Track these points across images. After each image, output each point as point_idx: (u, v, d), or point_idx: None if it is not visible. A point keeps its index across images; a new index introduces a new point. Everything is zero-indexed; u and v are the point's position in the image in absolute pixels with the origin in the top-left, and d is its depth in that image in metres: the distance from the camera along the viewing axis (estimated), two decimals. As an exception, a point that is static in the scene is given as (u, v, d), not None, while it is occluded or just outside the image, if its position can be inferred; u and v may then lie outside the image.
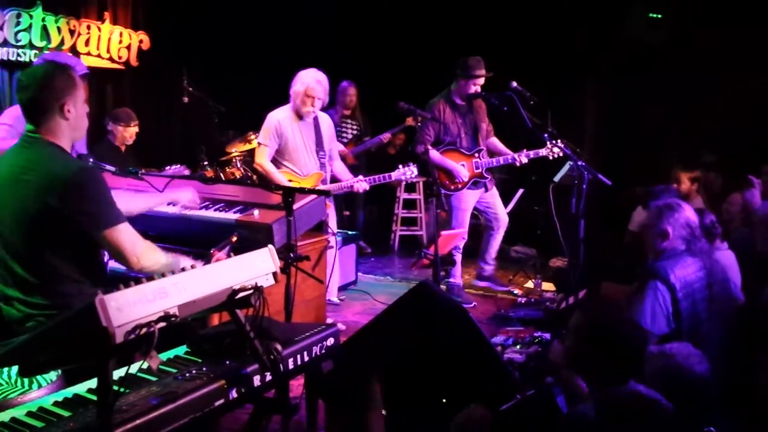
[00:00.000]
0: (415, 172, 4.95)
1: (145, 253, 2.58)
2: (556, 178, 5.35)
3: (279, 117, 4.73)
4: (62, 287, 2.52)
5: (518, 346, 4.04)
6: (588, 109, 7.59)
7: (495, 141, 5.78)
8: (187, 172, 4.49)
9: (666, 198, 4.04)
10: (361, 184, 4.87)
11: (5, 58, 6.14)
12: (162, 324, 1.71)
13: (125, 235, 2.53)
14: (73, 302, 2.50)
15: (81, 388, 2.03)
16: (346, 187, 4.90)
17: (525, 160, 5.52)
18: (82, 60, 5.98)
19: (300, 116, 4.73)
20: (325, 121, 4.91)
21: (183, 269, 1.92)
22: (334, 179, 4.96)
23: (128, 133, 5.85)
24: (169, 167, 4.64)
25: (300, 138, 4.75)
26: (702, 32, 6.62)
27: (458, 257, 5.63)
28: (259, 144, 4.78)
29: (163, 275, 1.85)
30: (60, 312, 2.48)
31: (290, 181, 4.65)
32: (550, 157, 5.39)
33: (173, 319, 1.77)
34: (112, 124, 5.83)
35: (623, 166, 6.52)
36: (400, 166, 4.95)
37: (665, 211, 3.36)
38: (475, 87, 5.46)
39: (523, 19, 7.35)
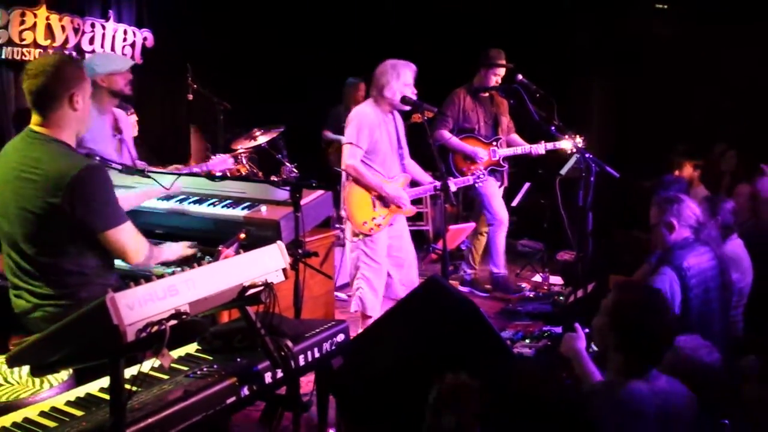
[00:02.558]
0: (486, 175, 4.93)
1: (142, 252, 2.62)
2: (563, 171, 5.33)
3: (370, 114, 4.33)
4: (67, 279, 2.52)
5: (527, 341, 4.03)
6: (594, 101, 7.56)
7: (516, 137, 5.76)
8: (230, 162, 4.36)
9: (675, 188, 4.03)
10: (449, 186, 4.60)
11: (10, 57, 6.13)
12: (173, 321, 1.70)
13: (127, 235, 2.55)
14: (80, 293, 2.51)
15: (93, 387, 2.03)
16: (429, 190, 4.67)
17: (542, 151, 5.50)
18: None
19: (388, 112, 4.44)
20: (399, 118, 4.65)
21: (194, 264, 1.91)
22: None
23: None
24: (214, 157, 4.52)
25: (387, 137, 4.42)
26: (708, 24, 6.60)
27: (501, 245, 5.64)
28: (351, 144, 4.32)
29: (173, 273, 1.85)
30: (67, 302, 2.50)
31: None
32: (568, 150, 5.30)
33: (184, 316, 1.76)
34: None
35: (630, 159, 6.49)
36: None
37: (665, 205, 3.40)
38: (496, 78, 5.48)
39: (528, 12, 7.32)
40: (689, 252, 3.28)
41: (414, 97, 4.31)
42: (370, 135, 4.21)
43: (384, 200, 4.24)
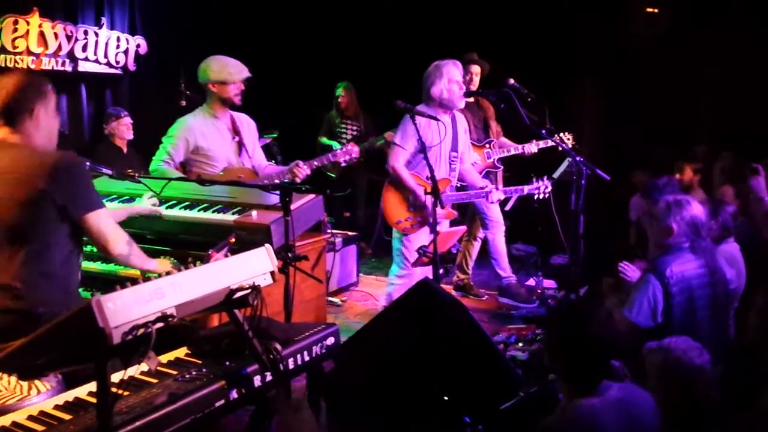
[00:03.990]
0: (549, 188, 4.86)
1: (123, 240, 2.66)
2: (556, 175, 5.35)
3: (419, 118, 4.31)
4: (35, 281, 2.52)
5: (521, 344, 4.04)
6: (584, 106, 7.58)
7: (506, 140, 5.77)
8: (356, 151, 4.30)
9: (669, 190, 4.03)
10: (497, 194, 4.77)
11: (3, 65, 6.13)
12: (159, 324, 1.71)
13: (106, 220, 2.61)
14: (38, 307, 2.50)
15: (81, 392, 2.04)
16: (481, 194, 4.79)
17: (535, 150, 5.51)
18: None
19: (443, 113, 4.52)
20: (462, 122, 4.72)
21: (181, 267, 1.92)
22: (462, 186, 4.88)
23: (123, 125, 5.98)
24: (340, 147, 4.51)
25: (438, 139, 4.50)
26: (699, 27, 6.63)
27: (503, 248, 5.59)
28: (396, 145, 4.49)
29: (159, 276, 1.85)
30: (30, 307, 2.49)
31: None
32: (560, 148, 5.32)
33: (170, 319, 1.76)
34: (106, 126, 6.00)
35: (621, 162, 6.50)
36: (534, 180, 4.87)
37: (673, 207, 3.36)
38: (469, 76, 5.45)
39: (519, 15, 7.34)
40: (674, 260, 3.29)
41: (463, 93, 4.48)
42: (419, 139, 4.16)
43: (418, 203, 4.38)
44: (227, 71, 4.06)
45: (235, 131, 4.17)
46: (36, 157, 2.54)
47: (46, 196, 2.46)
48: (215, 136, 4.08)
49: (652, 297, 3.24)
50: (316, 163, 4.16)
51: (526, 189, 4.87)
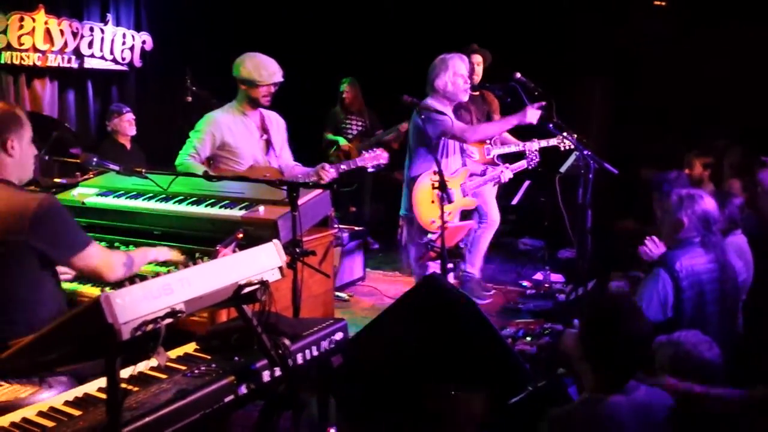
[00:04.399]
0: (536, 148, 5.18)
1: (117, 264, 2.66)
2: (563, 169, 5.32)
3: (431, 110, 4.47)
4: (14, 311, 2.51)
5: (529, 338, 4.03)
6: (593, 99, 7.55)
7: (508, 135, 5.72)
8: (385, 156, 4.34)
9: (680, 184, 4.01)
10: (507, 173, 4.96)
11: (9, 62, 6.15)
12: (168, 320, 1.71)
13: (95, 256, 2.60)
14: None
15: (91, 388, 2.04)
16: (496, 177, 4.96)
17: (536, 148, 5.48)
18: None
19: (448, 105, 4.62)
20: (474, 111, 4.88)
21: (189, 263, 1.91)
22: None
23: (126, 121, 5.98)
24: (367, 152, 4.44)
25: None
26: (705, 22, 6.60)
27: (484, 246, 5.57)
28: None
29: (168, 272, 1.85)
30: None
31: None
32: (562, 148, 5.33)
33: (179, 315, 1.76)
34: (109, 123, 6.00)
35: (628, 156, 6.48)
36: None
37: (685, 201, 3.33)
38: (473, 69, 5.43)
39: (526, 9, 7.32)
40: (684, 254, 3.27)
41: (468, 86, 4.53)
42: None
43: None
44: (258, 72, 4.01)
45: (264, 129, 4.16)
46: (13, 201, 2.48)
47: (27, 247, 2.43)
48: (243, 133, 4.07)
49: (662, 291, 3.22)
50: (343, 166, 4.16)
51: (524, 162, 5.05)
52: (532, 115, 4.67)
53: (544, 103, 4.76)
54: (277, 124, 4.26)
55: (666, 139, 6.52)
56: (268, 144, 4.15)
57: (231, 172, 3.94)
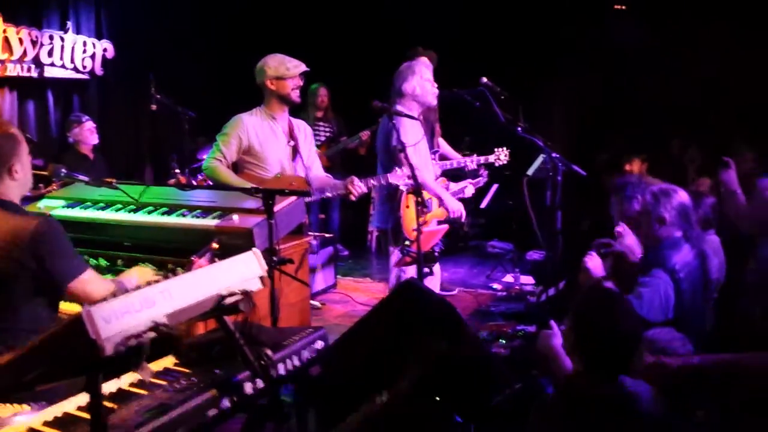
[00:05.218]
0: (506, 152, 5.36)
1: (108, 293, 2.55)
2: (530, 172, 5.35)
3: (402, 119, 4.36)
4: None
5: (502, 341, 4.04)
6: (557, 102, 7.65)
7: (441, 142, 5.67)
8: (406, 179, 4.21)
9: (633, 185, 4.05)
10: (470, 189, 5.17)
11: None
12: (152, 334, 1.67)
13: (91, 283, 2.54)
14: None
15: (70, 406, 1.98)
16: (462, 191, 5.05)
17: (474, 166, 5.49)
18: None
19: (418, 111, 4.62)
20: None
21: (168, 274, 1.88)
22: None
23: (87, 129, 5.89)
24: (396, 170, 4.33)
25: (420, 137, 4.59)
26: (667, 24, 6.73)
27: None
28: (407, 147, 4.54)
29: (148, 284, 1.81)
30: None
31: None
32: (497, 164, 5.44)
33: (162, 328, 1.72)
34: (69, 133, 5.91)
35: (593, 157, 6.58)
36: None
37: (661, 197, 3.33)
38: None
39: (492, 15, 7.38)
40: (675, 252, 3.27)
41: (436, 91, 4.56)
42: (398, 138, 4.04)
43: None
44: (285, 66, 3.98)
45: (291, 136, 4.07)
46: (11, 222, 2.44)
47: (27, 268, 2.39)
48: (269, 138, 3.98)
49: (662, 293, 3.17)
50: (373, 182, 4.13)
51: (491, 157, 5.19)
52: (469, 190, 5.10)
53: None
54: (305, 133, 4.19)
55: (631, 141, 6.63)
56: (295, 151, 4.07)
57: (257, 179, 3.82)
